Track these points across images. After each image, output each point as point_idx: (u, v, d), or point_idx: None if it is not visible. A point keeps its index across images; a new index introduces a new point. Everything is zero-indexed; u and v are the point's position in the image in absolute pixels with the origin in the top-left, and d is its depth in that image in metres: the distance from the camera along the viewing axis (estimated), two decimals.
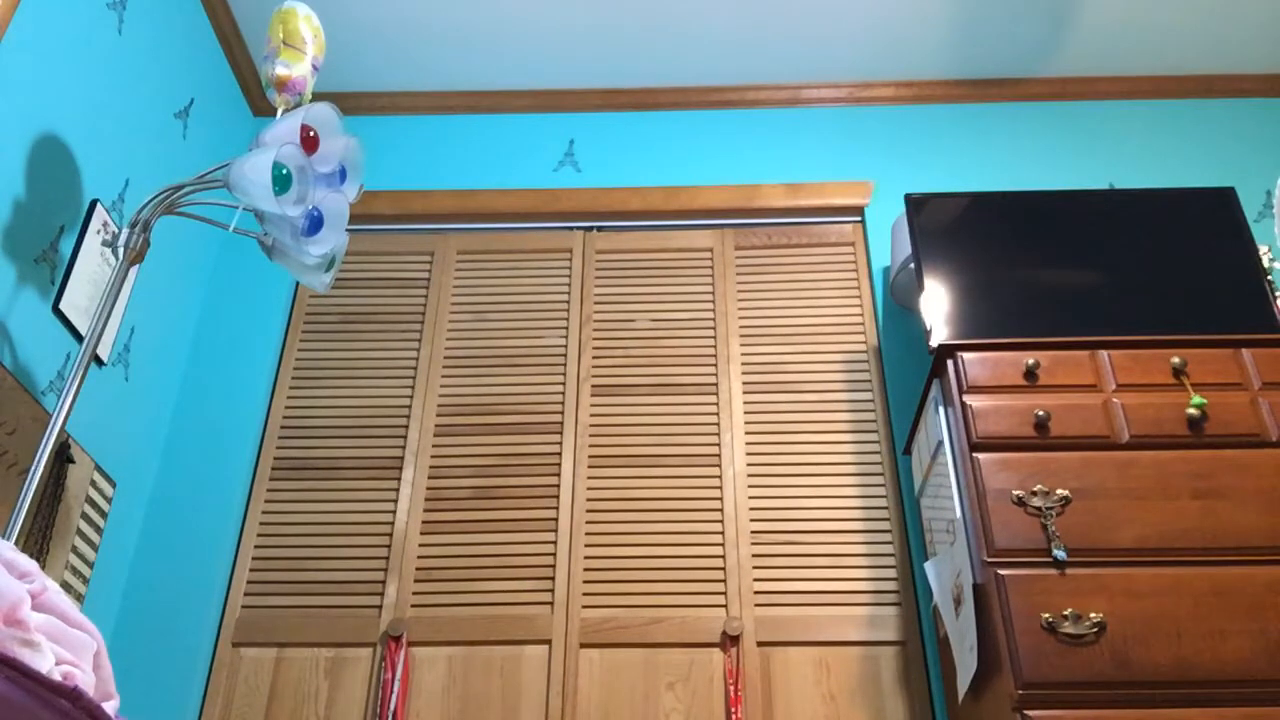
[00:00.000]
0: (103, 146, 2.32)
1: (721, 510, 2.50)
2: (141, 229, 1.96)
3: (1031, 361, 2.07)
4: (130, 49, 2.44)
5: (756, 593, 2.39)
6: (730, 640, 2.32)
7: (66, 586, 2.13)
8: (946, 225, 2.41)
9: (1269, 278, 2.27)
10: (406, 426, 2.65)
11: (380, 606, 2.40)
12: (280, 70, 2.04)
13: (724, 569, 2.42)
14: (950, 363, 2.12)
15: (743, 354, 2.73)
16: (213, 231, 2.88)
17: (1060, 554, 1.83)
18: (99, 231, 2.27)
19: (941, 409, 2.15)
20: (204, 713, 2.29)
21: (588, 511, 2.51)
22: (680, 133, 3.11)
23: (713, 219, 2.96)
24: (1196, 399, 2.00)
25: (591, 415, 2.65)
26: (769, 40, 3.00)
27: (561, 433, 2.62)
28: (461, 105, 3.16)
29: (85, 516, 2.21)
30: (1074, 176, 2.95)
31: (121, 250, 1.94)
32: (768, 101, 3.14)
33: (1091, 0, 2.88)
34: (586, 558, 2.45)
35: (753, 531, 2.46)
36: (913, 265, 2.42)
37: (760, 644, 2.33)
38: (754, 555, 2.43)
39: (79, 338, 2.20)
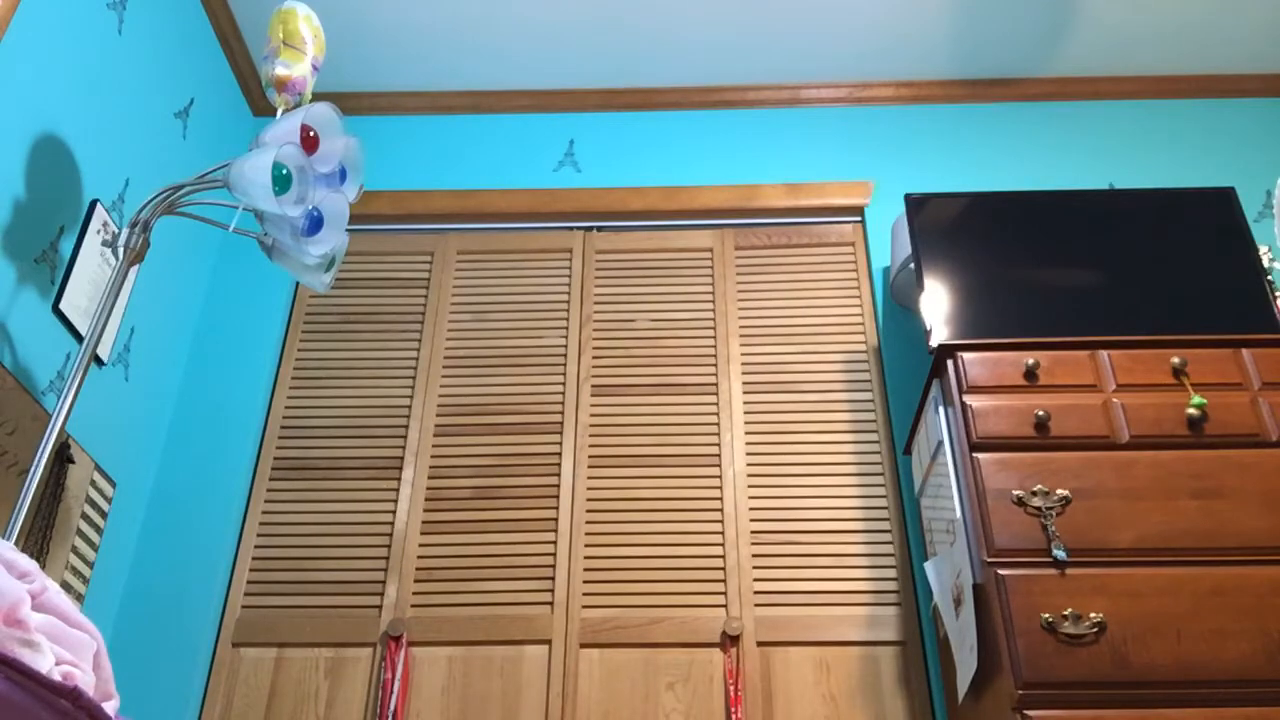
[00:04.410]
0: (103, 146, 2.32)
1: (721, 510, 2.50)
2: (141, 229, 1.96)
3: (1031, 361, 2.07)
4: (130, 49, 2.44)
5: (756, 593, 2.39)
6: (730, 640, 2.32)
7: (66, 586, 2.13)
8: (946, 225, 2.41)
9: (1269, 278, 2.27)
10: (406, 426, 2.65)
11: (380, 606, 2.40)
12: (280, 70, 2.04)
13: (724, 569, 2.42)
14: (950, 363, 2.12)
15: (743, 354, 2.73)
16: (213, 231, 2.88)
17: (1060, 554, 1.83)
18: (99, 231, 2.27)
19: (941, 409, 2.15)
20: (204, 713, 2.29)
21: (588, 511, 2.51)
22: (680, 133, 3.11)
23: (713, 219, 2.96)
24: (1196, 399, 2.00)
25: (591, 415, 2.65)
26: (769, 40, 3.00)
27: (561, 433, 2.62)
28: (461, 105, 3.16)
29: (85, 516, 2.20)
30: (1074, 176, 2.95)
31: (121, 250, 1.94)
32: (768, 101, 3.14)
33: (1091, 0, 2.88)
34: (586, 558, 2.45)
35: (753, 531, 2.46)
36: (913, 265, 2.42)
37: (760, 644, 2.33)
38: (754, 555, 2.43)
39: (79, 338, 2.20)
